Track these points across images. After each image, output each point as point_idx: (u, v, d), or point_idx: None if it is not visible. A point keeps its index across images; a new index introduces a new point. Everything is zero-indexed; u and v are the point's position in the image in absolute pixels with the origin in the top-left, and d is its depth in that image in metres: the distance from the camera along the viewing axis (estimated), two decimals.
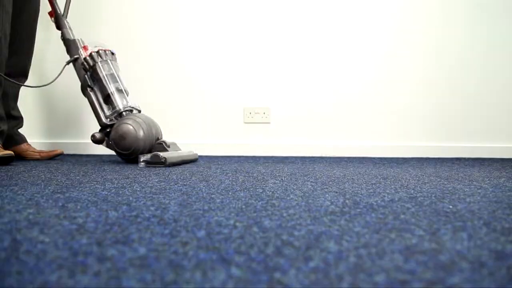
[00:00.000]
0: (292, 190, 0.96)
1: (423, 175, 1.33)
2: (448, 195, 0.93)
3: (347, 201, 0.83)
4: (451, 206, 0.79)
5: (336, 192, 0.94)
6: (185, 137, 2.29)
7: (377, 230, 0.59)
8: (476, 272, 0.43)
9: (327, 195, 0.90)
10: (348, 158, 2.14)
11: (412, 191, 0.99)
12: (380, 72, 2.27)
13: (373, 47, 2.27)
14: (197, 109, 2.29)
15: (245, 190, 0.96)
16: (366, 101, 2.27)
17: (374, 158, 2.11)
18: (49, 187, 0.96)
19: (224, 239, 0.53)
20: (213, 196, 0.87)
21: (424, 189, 1.01)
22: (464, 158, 2.15)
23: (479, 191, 1.00)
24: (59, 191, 0.91)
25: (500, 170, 1.52)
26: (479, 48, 2.25)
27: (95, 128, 1.86)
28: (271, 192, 0.93)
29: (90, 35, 2.09)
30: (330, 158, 2.12)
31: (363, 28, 2.27)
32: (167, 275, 0.40)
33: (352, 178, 1.22)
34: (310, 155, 2.24)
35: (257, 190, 0.97)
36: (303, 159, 2.04)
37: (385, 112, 2.27)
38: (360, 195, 0.90)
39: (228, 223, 0.62)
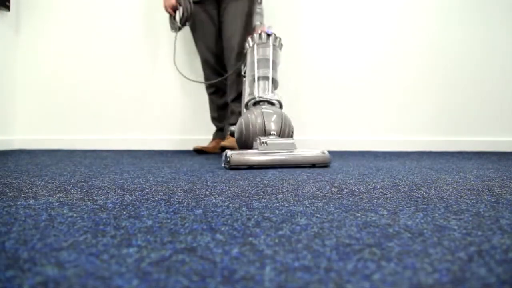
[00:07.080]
0: (287, 180, 1.08)
1: (416, 167, 1.43)
2: (429, 183, 1.03)
3: (333, 188, 0.94)
4: (424, 193, 0.89)
5: (327, 181, 1.05)
6: (185, 134, 2.42)
7: (347, 210, 0.70)
8: (411, 239, 0.53)
9: (317, 184, 1.01)
10: (352, 152, 2.23)
11: (398, 180, 1.09)
12: (383, 69, 2.34)
13: (371, 43, 2.34)
14: (200, 109, 2.41)
15: (245, 180, 1.07)
16: (369, 97, 2.35)
17: (377, 152, 2.20)
18: (74, 177, 1.10)
19: (216, 216, 0.65)
20: (215, 184, 0.99)
21: (410, 179, 1.11)
22: (466, 152, 2.22)
23: (460, 180, 1.09)
24: (83, 180, 1.05)
25: (494, 163, 1.59)
26: (478, 44, 2.30)
27: (103, 124, 1.99)
28: (268, 181, 1.05)
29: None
30: (333, 152, 2.22)
31: (362, 23, 2.35)
32: (165, 238, 0.52)
33: (347, 170, 1.32)
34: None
35: (256, 179, 1.08)
36: None
37: (388, 107, 2.35)
38: (347, 184, 1.01)
39: (223, 204, 0.74)
